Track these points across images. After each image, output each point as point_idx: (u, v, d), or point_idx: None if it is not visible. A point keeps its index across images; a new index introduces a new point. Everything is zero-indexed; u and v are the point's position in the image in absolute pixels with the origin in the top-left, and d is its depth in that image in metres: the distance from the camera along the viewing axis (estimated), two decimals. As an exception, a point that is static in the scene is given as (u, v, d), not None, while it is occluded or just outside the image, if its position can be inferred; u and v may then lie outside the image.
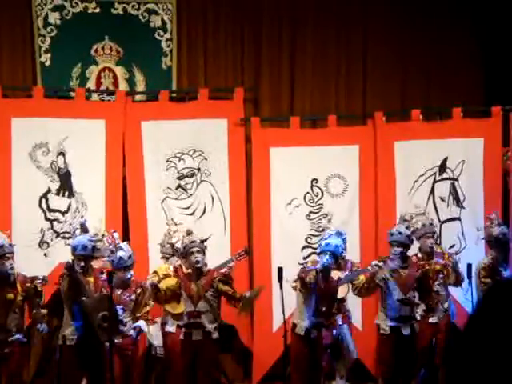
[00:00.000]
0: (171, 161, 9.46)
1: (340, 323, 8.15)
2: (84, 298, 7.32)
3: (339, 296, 7.97)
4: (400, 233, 7.95)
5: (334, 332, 8.02)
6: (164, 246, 8.53)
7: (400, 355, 7.80)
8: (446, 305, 8.29)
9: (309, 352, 7.74)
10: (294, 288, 7.98)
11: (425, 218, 8.59)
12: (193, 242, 7.68)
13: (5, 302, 7.23)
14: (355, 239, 9.23)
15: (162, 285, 7.86)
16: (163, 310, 8.05)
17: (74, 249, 7.57)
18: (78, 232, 8.02)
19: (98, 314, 7.27)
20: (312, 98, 9.79)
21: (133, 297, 7.75)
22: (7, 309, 7.26)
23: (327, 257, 7.73)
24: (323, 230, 8.80)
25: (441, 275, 8.23)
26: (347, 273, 8.02)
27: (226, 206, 9.47)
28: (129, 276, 7.78)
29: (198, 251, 7.69)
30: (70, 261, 7.50)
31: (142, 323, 7.66)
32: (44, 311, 7.49)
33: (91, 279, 7.48)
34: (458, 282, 8.26)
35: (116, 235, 7.92)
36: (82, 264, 7.49)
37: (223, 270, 7.86)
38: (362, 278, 7.95)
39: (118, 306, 7.49)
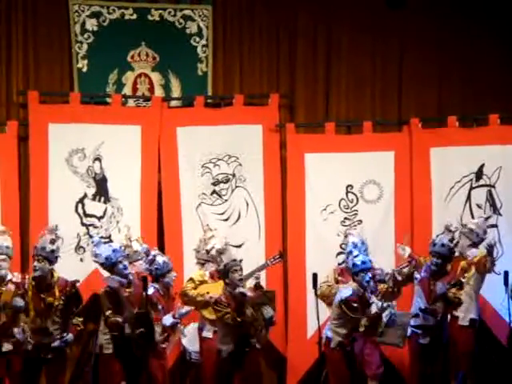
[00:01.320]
0: (206, 166, 9.50)
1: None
2: (124, 316, 7.33)
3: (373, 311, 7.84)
4: (443, 245, 7.88)
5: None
6: (199, 251, 8.55)
7: (424, 362, 7.75)
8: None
9: (346, 363, 7.67)
10: (320, 296, 7.90)
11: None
12: (233, 260, 7.58)
13: (45, 307, 7.29)
14: (390, 246, 9.21)
15: (200, 291, 7.89)
16: (200, 315, 8.08)
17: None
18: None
19: (135, 330, 7.30)
20: (347, 103, 9.78)
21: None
22: (48, 313, 7.31)
23: (368, 274, 7.63)
24: (346, 236, 8.74)
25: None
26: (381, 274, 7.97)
27: (261, 211, 9.49)
28: (166, 280, 7.82)
29: (240, 269, 7.59)
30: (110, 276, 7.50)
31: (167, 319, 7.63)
32: (78, 319, 7.50)
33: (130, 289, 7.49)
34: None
35: (154, 252, 7.95)
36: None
37: (252, 283, 7.79)
38: (382, 284, 7.90)
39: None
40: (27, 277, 7.37)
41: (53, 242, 7.40)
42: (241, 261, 7.74)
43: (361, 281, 7.59)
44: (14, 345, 7.25)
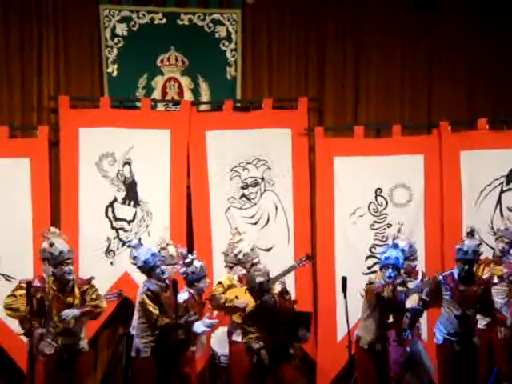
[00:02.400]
0: (235, 170, 9.51)
1: (410, 337, 8.02)
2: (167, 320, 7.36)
3: (408, 306, 7.88)
4: (474, 252, 7.80)
5: (408, 349, 7.91)
6: (228, 255, 8.55)
7: (457, 368, 7.72)
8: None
9: (375, 364, 7.68)
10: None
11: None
12: (257, 270, 7.53)
13: (66, 307, 7.34)
14: (420, 249, 9.15)
15: (229, 296, 7.89)
16: (230, 319, 8.09)
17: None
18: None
19: (174, 334, 7.34)
20: (376, 107, 9.76)
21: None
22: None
23: (389, 270, 7.70)
24: (386, 239, 8.75)
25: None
26: (417, 283, 7.96)
27: (290, 215, 9.49)
28: (201, 286, 7.83)
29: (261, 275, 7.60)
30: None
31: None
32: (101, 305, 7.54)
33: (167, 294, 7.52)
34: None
35: (192, 256, 7.96)
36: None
37: (279, 289, 7.78)
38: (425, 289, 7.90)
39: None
40: (46, 280, 7.40)
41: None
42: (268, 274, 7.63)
43: (383, 276, 7.69)
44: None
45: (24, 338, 7.98)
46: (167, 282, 7.47)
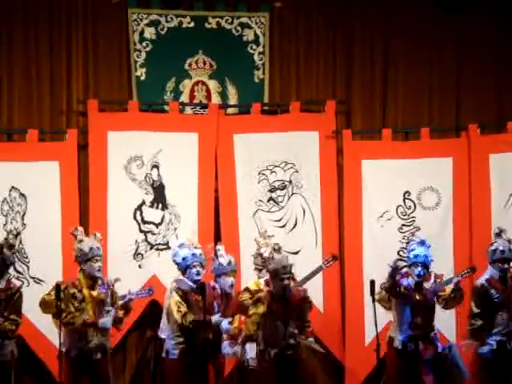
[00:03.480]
0: (263, 173, 9.52)
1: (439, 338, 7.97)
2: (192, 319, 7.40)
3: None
4: (510, 250, 7.78)
5: (440, 348, 7.87)
6: (256, 257, 8.57)
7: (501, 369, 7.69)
8: None
9: (406, 366, 7.67)
10: (379, 301, 7.90)
11: None
12: (284, 267, 7.62)
13: (98, 303, 7.38)
14: (449, 253, 9.16)
15: (253, 310, 7.89)
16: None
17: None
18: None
19: (200, 336, 7.35)
20: (404, 109, 9.73)
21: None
22: (100, 310, 7.41)
23: (419, 268, 7.69)
24: (408, 242, 8.70)
25: None
26: (432, 284, 7.91)
27: (318, 218, 9.48)
28: (231, 282, 7.85)
29: (288, 278, 7.61)
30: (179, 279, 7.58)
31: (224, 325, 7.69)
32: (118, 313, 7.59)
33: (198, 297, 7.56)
34: None
35: (220, 247, 8.02)
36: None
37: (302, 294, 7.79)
38: (447, 290, 7.85)
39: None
40: (78, 277, 7.49)
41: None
42: (291, 266, 7.70)
43: (412, 273, 7.67)
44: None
45: (53, 341, 8.05)
46: (199, 284, 7.53)
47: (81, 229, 7.79)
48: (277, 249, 7.71)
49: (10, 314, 7.42)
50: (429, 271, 7.97)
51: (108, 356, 7.49)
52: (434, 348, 7.80)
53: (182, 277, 7.59)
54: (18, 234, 8.59)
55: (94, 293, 7.43)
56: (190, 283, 7.52)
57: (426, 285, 7.88)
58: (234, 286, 7.97)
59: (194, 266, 7.57)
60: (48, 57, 9.33)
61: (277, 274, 7.55)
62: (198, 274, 7.55)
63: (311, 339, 7.84)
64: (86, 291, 7.40)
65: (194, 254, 7.59)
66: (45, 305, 7.57)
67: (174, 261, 7.68)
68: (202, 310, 7.34)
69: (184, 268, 7.61)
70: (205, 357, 7.34)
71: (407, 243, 8.55)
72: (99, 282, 7.48)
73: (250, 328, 7.71)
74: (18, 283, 7.73)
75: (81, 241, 7.54)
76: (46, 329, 8.38)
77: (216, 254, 7.90)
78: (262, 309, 7.68)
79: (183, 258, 7.59)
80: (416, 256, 7.76)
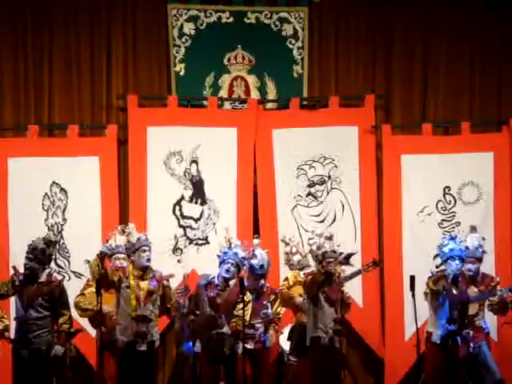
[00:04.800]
0: (302, 168, 9.51)
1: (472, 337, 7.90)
2: (195, 317, 7.48)
3: (471, 312, 7.76)
4: None
5: (471, 348, 7.80)
6: (289, 260, 8.61)
7: None
8: None
9: (446, 361, 7.61)
10: (426, 294, 7.86)
11: None
12: (334, 251, 7.66)
13: (147, 294, 7.42)
14: (489, 248, 9.02)
15: (293, 292, 7.92)
16: (296, 317, 8.11)
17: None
18: None
19: (205, 333, 7.41)
20: (445, 103, 9.65)
21: (265, 303, 7.85)
22: (148, 300, 7.44)
23: (456, 261, 7.62)
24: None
25: None
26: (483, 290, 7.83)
27: (357, 213, 9.45)
28: (259, 284, 7.86)
29: (333, 261, 7.63)
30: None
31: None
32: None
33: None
34: None
35: (256, 241, 8.03)
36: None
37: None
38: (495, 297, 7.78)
39: None
40: (127, 267, 7.54)
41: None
42: (340, 254, 7.72)
43: (447, 268, 7.63)
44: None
45: (93, 333, 8.10)
46: (229, 282, 7.60)
47: (132, 225, 7.81)
48: (329, 237, 7.75)
49: (62, 310, 7.46)
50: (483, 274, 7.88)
51: (155, 348, 7.49)
52: (467, 346, 7.74)
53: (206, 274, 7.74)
54: (56, 242, 8.68)
55: (143, 283, 7.46)
56: (211, 279, 7.66)
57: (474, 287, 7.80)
58: (263, 287, 7.97)
59: (227, 263, 7.67)
60: (88, 53, 9.41)
61: (324, 258, 7.54)
62: (227, 271, 7.64)
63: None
64: (132, 281, 7.43)
65: (225, 253, 7.71)
66: (81, 310, 7.72)
67: (218, 256, 7.82)
68: (216, 307, 7.42)
69: (219, 263, 7.75)
70: (219, 351, 7.36)
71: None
72: (150, 274, 7.51)
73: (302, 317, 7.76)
74: (58, 277, 7.78)
75: (129, 234, 7.60)
76: (86, 321, 8.43)
77: (251, 252, 7.91)
78: (297, 290, 7.73)
79: (224, 253, 7.74)
80: (452, 250, 7.69)
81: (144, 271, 7.52)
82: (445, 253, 7.73)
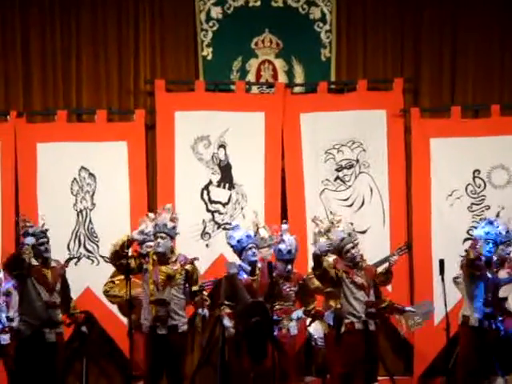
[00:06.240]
0: (330, 152, 9.47)
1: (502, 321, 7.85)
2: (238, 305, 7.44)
3: (501, 295, 7.73)
4: None
5: (502, 331, 7.75)
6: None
7: None
8: None
9: (483, 344, 7.56)
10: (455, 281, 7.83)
11: None
12: (349, 234, 7.58)
13: (165, 278, 7.37)
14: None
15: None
16: (325, 302, 8.08)
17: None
18: None
19: (250, 319, 7.37)
20: (474, 87, 9.58)
21: (293, 289, 7.83)
22: (166, 285, 7.38)
23: (490, 244, 7.61)
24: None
25: None
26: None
27: (385, 197, 9.41)
28: (287, 269, 7.83)
29: (352, 247, 7.57)
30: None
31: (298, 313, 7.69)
32: (205, 297, 7.59)
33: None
34: None
35: (285, 226, 7.99)
36: None
37: (385, 265, 7.74)
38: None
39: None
40: (149, 252, 7.48)
41: (173, 220, 7.51)
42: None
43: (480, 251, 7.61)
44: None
45: (123, 318, 8.13)
46: (258, 265, 7.55)
47: (169, 205, 7.69)
48: (327, 229, 7.74)
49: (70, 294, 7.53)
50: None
51: (178, 332, 7.40)
52: (498, 331, 7.69)
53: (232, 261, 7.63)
54: (71, 258, 8.74)
55: (165, 268, 7.44)
56: (242, 264, 7.56)
57: (501, 273, 7.75)
58: (290, 273, 7.92)
59: (250, 248, 7.59)
60: (116, 37, 9.41)
61: (345, 245, 7.50)
62: (253, 255, 7.58)
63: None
64: (150, 265, 7.42)
65: (248, 236, 7.62)
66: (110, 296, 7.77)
67: (229, 243, 7.68)
68: (262, 292, 7.37)
69: (240, 250, 7.62)
70: (261, 337, 7.34)
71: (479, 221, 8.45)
72: (173, 258, 7.48)
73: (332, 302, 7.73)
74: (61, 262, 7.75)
75: (153, 219, 7.56)
76: (116, 306, 8.46)
77: (281, 236, 7.88)
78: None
79: (238, 241, 7.60)
80: (487, 233, 7.67)
81: (165, 257, 7.40)
82: (480, 235, 7.69)
